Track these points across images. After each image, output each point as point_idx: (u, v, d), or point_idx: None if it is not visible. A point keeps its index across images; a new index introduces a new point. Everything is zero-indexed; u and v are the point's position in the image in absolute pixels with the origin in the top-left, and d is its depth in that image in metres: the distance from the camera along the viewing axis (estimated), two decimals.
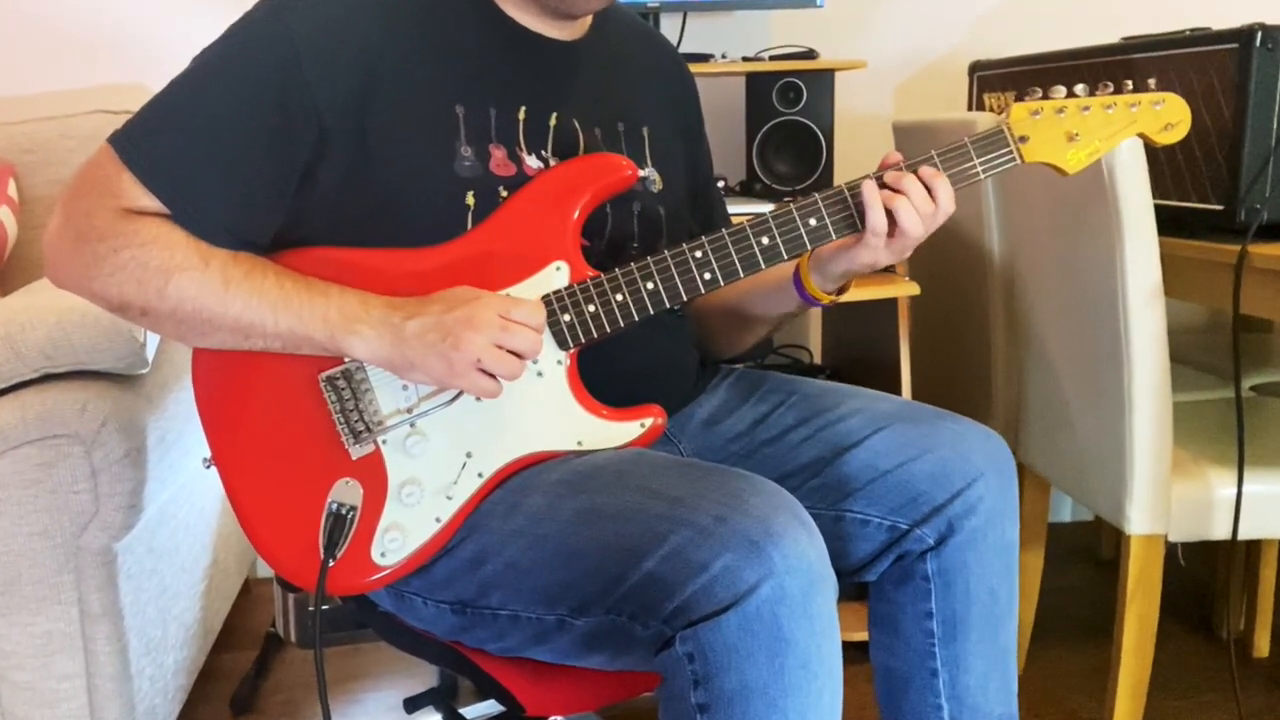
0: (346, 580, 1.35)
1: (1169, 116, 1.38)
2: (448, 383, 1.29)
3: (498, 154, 1.37)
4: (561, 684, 1.41)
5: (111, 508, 1.71)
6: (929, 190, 1.35)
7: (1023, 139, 1.37)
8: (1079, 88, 1.39)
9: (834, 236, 1.37)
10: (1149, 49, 1.99)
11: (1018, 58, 2.44)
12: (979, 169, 1.37)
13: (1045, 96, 1.38)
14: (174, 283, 1.26)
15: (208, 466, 1.38)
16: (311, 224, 1.34)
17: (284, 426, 1.35)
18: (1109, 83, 1.39)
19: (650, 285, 1.35)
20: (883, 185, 1.35)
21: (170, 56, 1.63)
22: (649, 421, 1.37)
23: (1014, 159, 1.38)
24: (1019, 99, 1.38)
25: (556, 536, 1.26)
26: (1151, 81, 1.40)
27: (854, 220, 1.36)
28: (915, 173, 1.35)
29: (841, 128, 2.63)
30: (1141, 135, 1.39)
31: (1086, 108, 1.37)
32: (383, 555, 1.34)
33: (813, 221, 1.36)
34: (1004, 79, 2.48)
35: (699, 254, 1.35)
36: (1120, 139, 1.39)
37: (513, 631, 1.32)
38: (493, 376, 1.27)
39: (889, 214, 1.34)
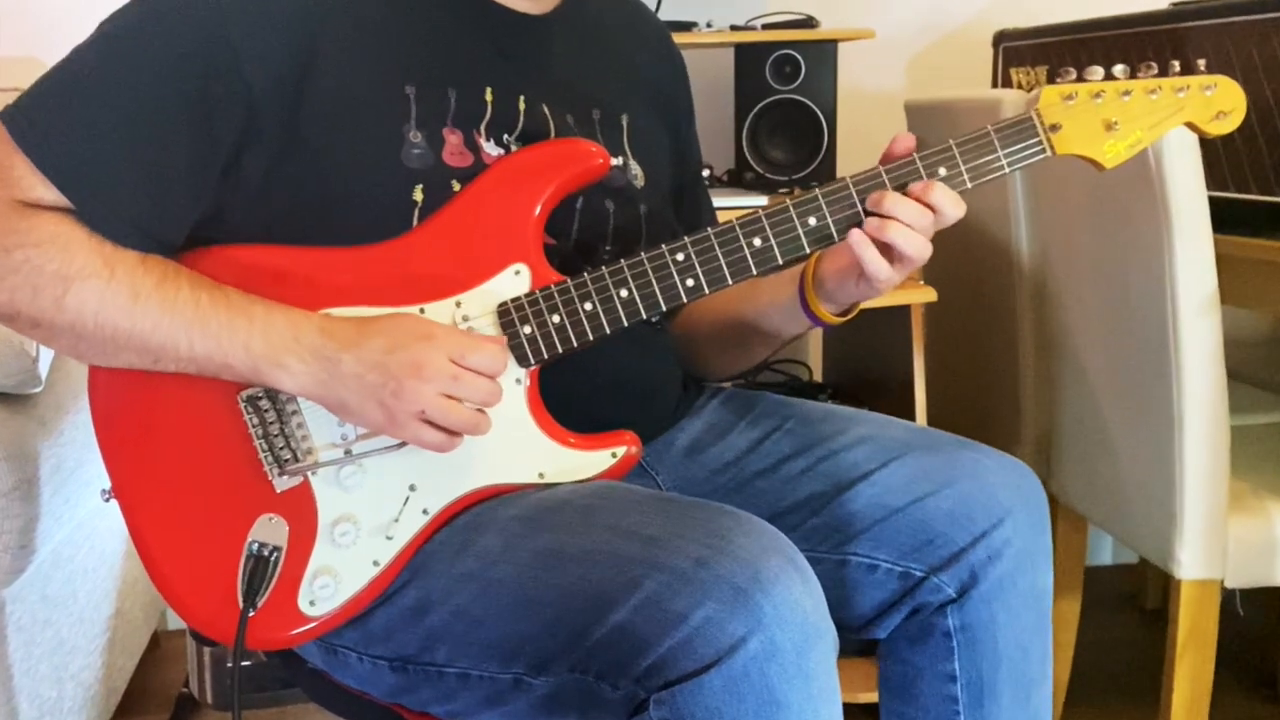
0: (269, 633, 1.34)
1: (1221, 103, 1.38)
2: (387, 432, 1.29)
3: (452, 140, 1.37)
4: None
5: None
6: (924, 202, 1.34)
7: (1054, 127, 1.37)
8: (1118, 69, 1.38)
9: (836, 238, 1.36)
10: (1202, 16, 2.00)
11: (1050, 26, 2.45)
12: (1004, 161, 1.37)
13: (1080, 78, 1.38)
14: (73, 292, 1.25)
15: (107, 499, 1.37)
16: (232, 220, 1.33)
17: (197, 453, 1.34)
18: (1152, 63, 1.39)
19: (624, 292, 1.34)
20: (867, 213, 1.35)
21: (66, 26, 1.62)
22: (621, 451, 1.37)
23: (1044, 150, 1.37)
24: (1051, 78, 1.38)
25: (513, 582, 1.25)
26: (1202, 63, 1.39)
27: (860, 219, 1.36)
28: (902, 190, 1.34)
29: (845, 107, 2.63)
30: (1189, 125, 1.39)
31: (1127, 92, 1.37)
32: (312, 604, 1.33)
33: (812, 220, 1.36)
34: (1034, 51, 2.49)
35: (680, 256, 1.34)
36: (1165, 129, 1.39)
37: (462, 692, 1.32)
38: (440, 429, 1.27)
39: (885, 246, 1.34)
